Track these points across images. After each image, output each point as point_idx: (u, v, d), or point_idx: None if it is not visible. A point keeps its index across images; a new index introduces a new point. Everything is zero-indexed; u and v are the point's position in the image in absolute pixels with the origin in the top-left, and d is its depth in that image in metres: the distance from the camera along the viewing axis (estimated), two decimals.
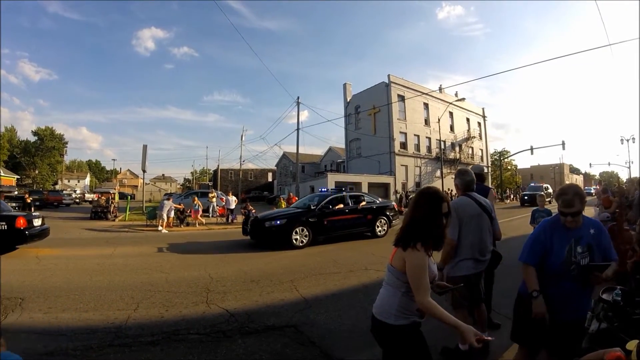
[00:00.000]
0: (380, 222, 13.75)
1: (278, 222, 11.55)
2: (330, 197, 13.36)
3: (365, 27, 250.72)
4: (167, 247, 11.60)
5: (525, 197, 33.97)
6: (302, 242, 11.41)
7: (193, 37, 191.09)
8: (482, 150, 51.39)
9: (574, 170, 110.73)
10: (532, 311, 2.70)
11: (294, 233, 11.32)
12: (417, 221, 2.24)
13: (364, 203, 13.73)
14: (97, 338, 4.37)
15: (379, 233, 13.52)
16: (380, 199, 15.60)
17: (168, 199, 18.07)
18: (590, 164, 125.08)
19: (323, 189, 16.35)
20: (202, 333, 4.58)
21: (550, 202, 30.23)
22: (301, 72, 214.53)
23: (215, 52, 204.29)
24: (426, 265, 2.15)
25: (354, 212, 13.19)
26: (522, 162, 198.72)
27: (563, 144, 41.76)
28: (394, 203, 15.33)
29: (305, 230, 11.58)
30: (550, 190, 36.18)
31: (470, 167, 5.66)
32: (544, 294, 2.69)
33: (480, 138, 51.22)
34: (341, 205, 13.07)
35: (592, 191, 43.77)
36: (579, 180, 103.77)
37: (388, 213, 14.26)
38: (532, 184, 40.04)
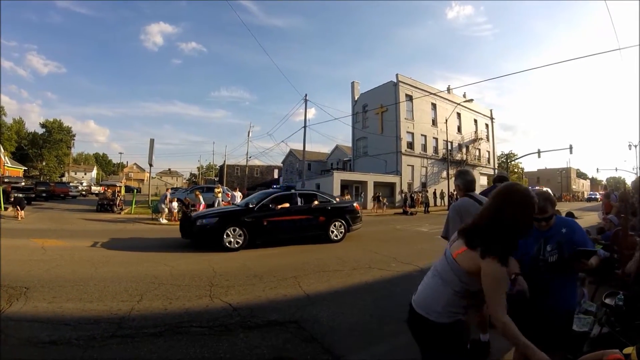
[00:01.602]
0: (335, 225, 12.22)
1: (208, 221, 10.60)
2: (274, 195, 12.15)
3: (374, 26, 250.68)
4: (172, 241, 11.69)
5: None
6: (236, 244, 10.30)
7: (201, 32, 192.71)
8: (489, 152, 51.18)
9: (581, 175, 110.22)
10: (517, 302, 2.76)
11: (225, 234, 10.24)
12: (505, 225, 1.95)
13: (315, 202, 12.42)
14: (101, 328, 4.41)
15: (334, 238, 12.04)
16: (338, 199, 13.95)
17: (167, 191, 18.17)
18: (597, 169, 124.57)
19: (275, 186, 14.79)
20: (205, 326, 4.60)
21: None
22: (309, 69, 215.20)
23: (223, 48, 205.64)
24: (507, 278, 1.96)
25: (302, 212, 11.88)
26: (529, 165, 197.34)
27: (570, 148, 41.24)
28: (355, 204, 13.71)
29: (239, 231, 10.43)
30: (551, 193, 34.77)
31: (497, 173, 5.66)
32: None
33: (488, 140, 50.97)
34: (287, 205, 11.77)
35: (598, 197, 43.32)
36: (585, 185, 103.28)
37: (346, 215, 12.71)
38: (532, 188, 38.50)
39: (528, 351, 1.80)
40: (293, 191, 12.55)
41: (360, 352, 4.04)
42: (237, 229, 10.41)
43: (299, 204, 12.18)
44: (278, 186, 13.90)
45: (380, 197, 30.56)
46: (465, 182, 4.02)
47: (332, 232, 12.10)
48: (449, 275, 2.07)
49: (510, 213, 1.94)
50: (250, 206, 11.35)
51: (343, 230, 12.34)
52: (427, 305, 2.13)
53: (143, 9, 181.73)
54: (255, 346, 4.07)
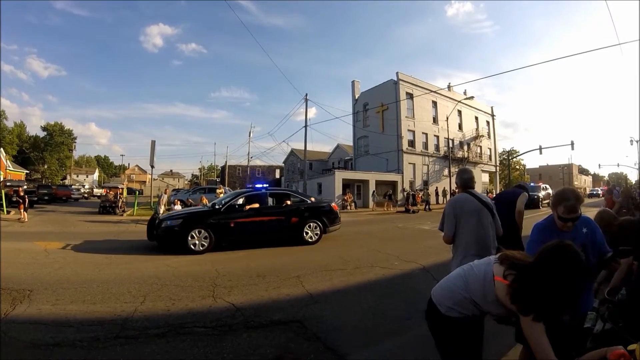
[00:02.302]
0: (310, 226, 11.46)
1: (172, 222, 10.18)
2: (243, 194, 11.71)
3: (373, 24, 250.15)
4: None
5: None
6: (201, 246, 9.83)
7: (201, 33, 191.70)
8: (490, 149, 51.08)
9: (583, 171, 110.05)
10: None
11: (190, 236, 9.79)
12: (547, 291, 1.84)
13: (287, 203, 11.73)
14: (104, 330, 4.42)
15: (308, 239, 11.31)
16: (313, 199, 12.99)
17: (164, 192, 18.16)
18: (599, 165, 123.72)
19: (249, 185, 14.05)
20: (208, 326, 4.61)
21: (549, 204, 29.54)
22: (309, 69, 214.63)
23: (223, 48, 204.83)
24: (543, 328, 1.87)
25: (272, 213, 11.29)
26: (531, 161, 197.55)
27: (572, 144, 41.09)
28: (332, 204, 12.76)
29: (204, 233, 9.95)
30: (550, 190, 32.61)
31: (518, 182, 5.92)
32: None
33: (489, 137, 50.89)
34: (256, 205, 11.17)
35: (600, 192, 43.02)
36: (587, 181, 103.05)
37: (322, 216, 11.89)
38: (532, 184, 34.73)
39: None
40: (264, 191, 12.09)
41: (364, 351, 4.03)
42: (203, 230, 9.96)
43: (271, 204, 11.81)
44: (262, 186, 12.84)
45: (393, 196, 30.74)
46: (462, 180, 4.13)
47: (307, 233, 11.38)
48: (476, 286, 2.08)
49: (557, 280, 1.82)
50: (217, 207, 10.95)
51: (318, 232, 11.57)
52: (440, 297, 2.20)
53: (142, 9, 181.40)
54: (259, 346, 4.07)
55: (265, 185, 12.78)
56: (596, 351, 1.69)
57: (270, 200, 11.88)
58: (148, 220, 11.77)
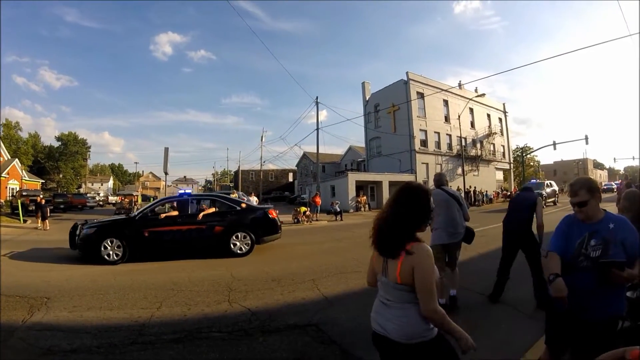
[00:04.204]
0: (238, 236, 10.25)
1: (87, 231, 9.73)
2: (160, 201, 11.24)
3: (381, 25, 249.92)
4: None
5: None
6: (115, 256, 9.34)
7: (210, 40, 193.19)
8: (503, 146, 50.54)
9: (598, 166, 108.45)
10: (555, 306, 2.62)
11: (103, 246, 9.32)
12: (406, 215, 2.08)
13: (210, 210, 10.69)
14: (121, 336, 4.44)
15: (237, 251, 10.13)
16: (246, 205, 11.57)
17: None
18: (614, 159, 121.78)
19: (181, 192, 13.05)
20: (224, 331, 4.61)
21: (554, 202, 28.87)
22: (318, 72, 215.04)
23: (232, 54, 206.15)
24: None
25: (191, 222, 10.14)
26: (545, 157, 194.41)
27: (586, 138, 40.38)
28: (270, 210, 11.31)
29: (117, 242, 9.42)
30: (556, 187, 31.90)
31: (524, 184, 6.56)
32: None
33: (502, 134, 50.32)
34: (174, 213, 10.56)
35: (614, 186, 41.80)
36: (603, 175, 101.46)
37: (254, 224, 10.63)
38: (534, 181, 32.82)
39: (456, 334, 1.94)
40: (185, 197, 11.32)
41: None
42: (116, 240, 9.44)
43: (193, 211, 10.72)
44: (188, 192, 12.24)
45: None
46: (436, 181, 5.83)
47: (234, 244, 10.19)
48: (407, 297, 2.10)
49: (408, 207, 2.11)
50: (131, 215, 10.60)
51: (249, 242, 10.31)
52: (415, 332, 2.10)
53: (151, 19, 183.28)
54: (275, 350, 4.05)
55: (189, 191, 12.22)
56: (613, 351, 1.63)
57: (194, 208, 10.86)
58: (70, 228, 10.97)
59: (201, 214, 10.25)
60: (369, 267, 2.40)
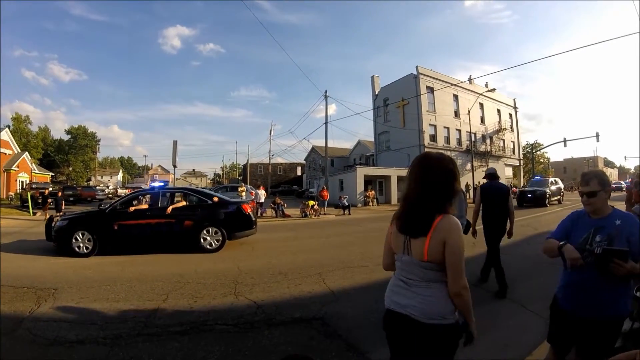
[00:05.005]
0: (208, 231, 9.91)
1: (60, 223, 9.76)
2: (134, 194, 11.07)
3: (390, 18, 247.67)
4: None
5: (530, 196, 25.59)
6: (85, 249, 9.28)
7: (218, 33, 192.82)
8: (513, 142, 50.13)
9: (609, 164, 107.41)
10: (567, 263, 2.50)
11: (74, 238, 9.28)
12: (437, 185, 1.99)
13: (181, 203, 10.47)
14: (127, 327, 4.46)
15: (207, 247, 9.81)
16: (218, 199, 10.95)
17: None
18: (625, 157, 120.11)
19: (152, 185, 12.62)
20: (230, 324, 4.61)
21: (559, 201, 27.48)
22: (327, 65, 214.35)
23: (241, 47, 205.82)
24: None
25: (160, 215, 9.87)
26: (555, 154, 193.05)
27: (597, 135, 39.98)
28: (243, 205, 10.96)
29: (88, 235, 9.36)
30: (561, 185, 29.89)
31: (488, 169, 6.64)
32: (565, 281, 2.62)
33: (512, 130, 49.92)
34: (144, 206, 10.36)
35: (623, 185, 40.98)
36: (613, 174, 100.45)
37: (226, 219, 10.23)
38: (537, 178, 32.18)
39: (472, 322, 1.98)
40: (156, 190, 11.02)
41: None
42: (86, 233, 9.39)
43: (164, 204, 10.32)
44: (163, 184, 12.13)
45: None
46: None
47: (205, 239, 9.86)
48: (436, 276, 2.06)
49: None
50: (102, 208, 10.57)
51: (220, 238, 9.95)
52: (438, 312, 2.07)
53: (159, 12, 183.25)
54: (280, 343, 4.03)
55: (162, 184, 12.00)
56: (625, 353, 1.58)
57: (164, 201, 10.51)
58: (46, 221, 10.91)
59: (170, 208, 9.99)
60: (385, 249, 2.28)
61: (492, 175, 6.40)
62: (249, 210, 10.86)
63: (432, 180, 1.97)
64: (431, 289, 1.95)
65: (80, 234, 9.35)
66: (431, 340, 1.91)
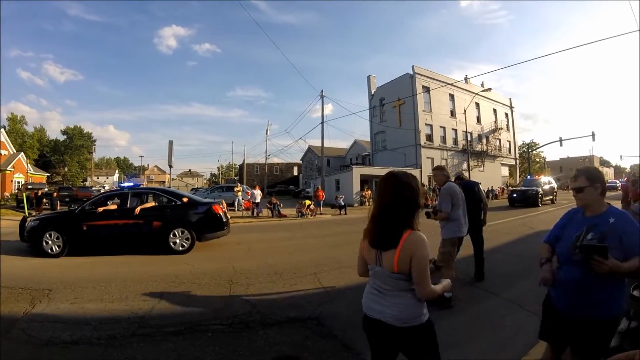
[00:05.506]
0: (177, 233, 9.68)
1: (32, 223, 9.79)
2: (103, 194, 10.93)
3: (387, 18, 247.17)
4: None
5: (515, 196, 25.62)
6: (56, 248, 9.24)
7: (214, 33, 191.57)
8: (509, 141, 50.30)
9: (604, 163, 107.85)
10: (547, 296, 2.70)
11: (44, 238, 9.24)
12: (401, 204, 2.18)
13: (150, 204, 10.26)
14: (122, 327, 4.45)
15: (177, 249, 9.59)
16: (188, 199, 10.73)
17: None
18: (621, 156, 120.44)
19: (121, 184, 12.44)
20: (225, 324, 4.59)
21: (552, 200, 26.74)
22: (324, 65, 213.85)
23: (237, 48, 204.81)
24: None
25: (128, 216, 9.67)
26: (551, 154, 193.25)
27: (593, 135, 40.23)
28: (214, 206, 10.59)
29: (57, 235, 9.29)
30: (554, 184, 29.47)
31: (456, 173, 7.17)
32: (558, 279, 2.61)
33: (508, 129, 50.12)
34: (112, 207, 10.03)
35: (618, 184, 40.98)
36: (609, 173, 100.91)
37: (195, 221, 10.01)
38: (529, 177, 32.09)
39: (445, 288, 2.24)
40: (126, 190, 10.85)
41: None
42: (55, 233, 9.32)
43: (133, 205, 10.02)
44: (133, 184, 12.06)
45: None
46: (456, 174, 6.71)
47: (174, 242, 9.65)
48: (404, 285, 2.24)
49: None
50: (72, 209, 10.44)
51: (190, 239, 9.74)
52: (413, 315, 2.24)
53: (154, 12, 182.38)
54: (275, 343, 4.03)
55: (131, 184, 11.88)
56: (624, 354, 1.58)
57: (134, 202, 10.19)
58: (20, 221, 10.96)
59: (138, 208, 9.78)
60: (359, 259, 2.55)
61: (459, 177, 7.32)
62: (219, 211, 10.61)
63: (398, 198, 2.16)
64: (402, 297, 2.14)
65: (49, 235, 9.29)
66: (412, 340, 2.15)
